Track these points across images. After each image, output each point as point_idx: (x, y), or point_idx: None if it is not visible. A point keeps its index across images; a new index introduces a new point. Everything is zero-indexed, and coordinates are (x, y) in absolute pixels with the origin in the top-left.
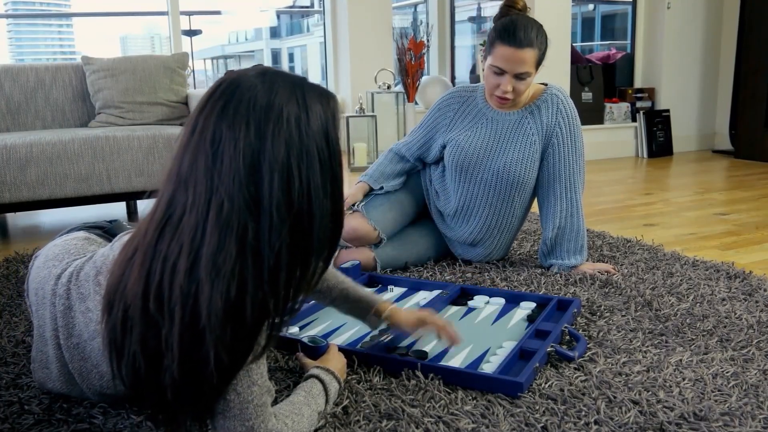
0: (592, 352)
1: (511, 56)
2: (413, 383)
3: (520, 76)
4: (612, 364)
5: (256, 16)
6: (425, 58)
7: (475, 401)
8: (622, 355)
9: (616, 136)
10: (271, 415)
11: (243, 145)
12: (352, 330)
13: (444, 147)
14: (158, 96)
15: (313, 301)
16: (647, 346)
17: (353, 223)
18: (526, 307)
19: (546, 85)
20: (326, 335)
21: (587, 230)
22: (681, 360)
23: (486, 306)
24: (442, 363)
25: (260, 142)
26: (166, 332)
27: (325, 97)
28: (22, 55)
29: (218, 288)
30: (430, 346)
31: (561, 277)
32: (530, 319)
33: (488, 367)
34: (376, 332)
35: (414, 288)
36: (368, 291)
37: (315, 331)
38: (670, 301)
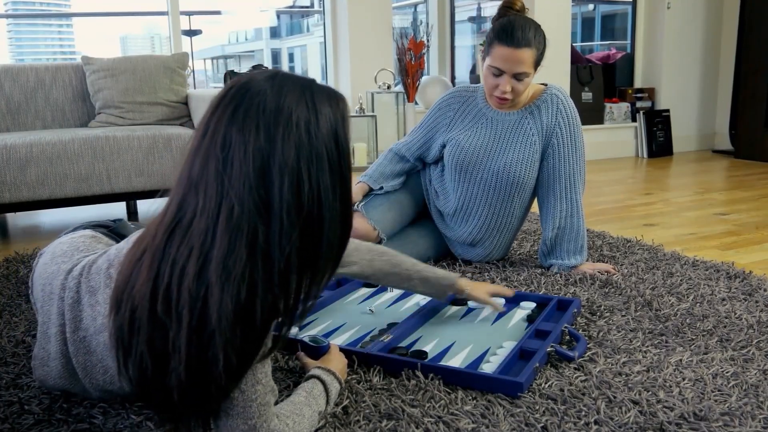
0: (592, 352)
1: (509, 56)
2: (413, 383)
3: (518, 77)
4: (612, 364)
5: (256, 16)
6: (425, 58)
7: (475, 401)
8: (622, 355)
9: (616, 136)
10: (274, 415)
11: (253, 149)
12: (352, 330)
13: (444, 146)
14: (158, 96)
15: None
16: (647, 346)
17: (353, 223)
18: (526, 307)
19: (546, 85)
20: (326, 335)
21: (587, 230)
22: (681, 360)
23: (486, 306)
24: (442, 363)
25: (270, 146)
26: (174, 334)
27: (334, 99)
28: (22, 55)
29: (229, 291)
30: (430, 347)
31: (561, 277)
32: (530, 319)
33: (488, 367)
34: (376, 332)
35: None
36: (442, 271)
37: (315, 330)
38: (670, 301)
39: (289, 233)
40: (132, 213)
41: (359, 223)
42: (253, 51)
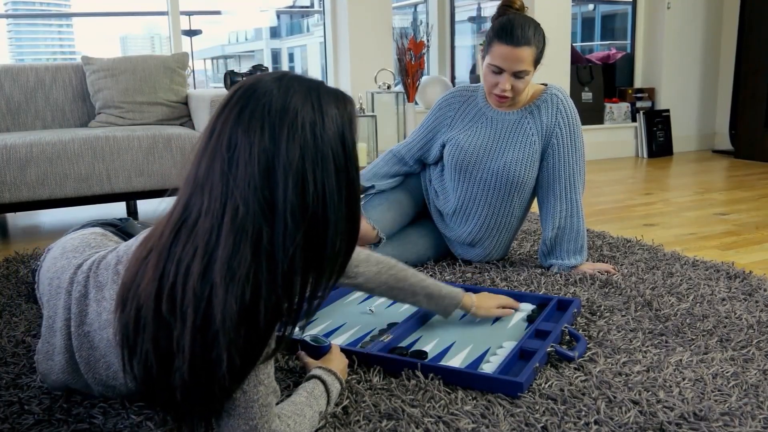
0: (592, 352)
1: (509, 54)
2: (413, 383)
3: (518, 75)
4: (612, 364)
5: (256, 16)
6: (425, 58)
7: (475, 401)
8: (622, 355)
9: (616, 136)
10: (275, 416)
11: (258, 150)
12: (352, 330)
13: (444, 146)
14: (158, 96)
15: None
16: (647, 346)
17: None
18: (526, 308)
19: (546, 85)
20: (326, 335)
21: (587, 230)
22: (681, 360)
23: None
24: (442, 363)
25: (275, 147)
26: (178, 334)
27: (341, 101)
28: (22, 55)
29: (233, 292)
30: (430, 347)
31: (561, 277)
32: (530, 319)
33: (488, 367)
34: (376, 332)
35: None
36: (449, 287)
37: (315, 330)
38: (670, 301)
39: (294, 234)
40: (132, 213)
41: None
42: (253, 51)
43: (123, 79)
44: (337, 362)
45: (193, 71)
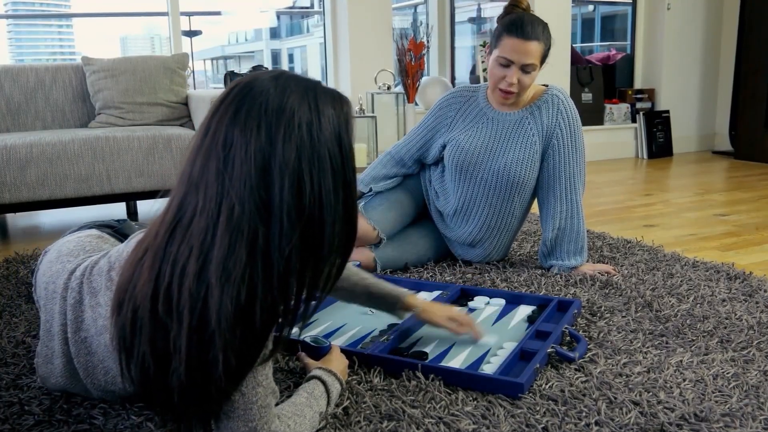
0: (593, 353)
1: (519, 47)
2: (414, 384)
3: (525, 68)
4: (612, 365)
5: (256, 17)
6: (425, 59)
7: (475, 402)
8: (622, 356)
9: (616, 137)
10: (275, 417)
11: (254, 149)
12: (352, 330)
13: (444, 147)
14: (158, 96)
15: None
16: (648, 347)
17: None
18: (527, 309)
19: (547, 86)
20: (327, 335)
21: (587, 231)
22: (681, 361)
23: (486, 307)
24: (443, 364)
25: (271, 147)
26: (175, 335)
27: (338, 101)
28: (21, 55)
29: (228, 293)
30: (431, 347)
31: (561, 278)
32: (530, 319)
33: (489, 368)
34: (376, 333)
35: (414, 289)
36: (391, 286)
37: (316, 331)
38: (670, 302)
39: (290, 235)
40: (132, 214)
41: (359, 223)
42: (252, 52)
43: (123, 80)
44: (337, 363)
45: (193, 72)
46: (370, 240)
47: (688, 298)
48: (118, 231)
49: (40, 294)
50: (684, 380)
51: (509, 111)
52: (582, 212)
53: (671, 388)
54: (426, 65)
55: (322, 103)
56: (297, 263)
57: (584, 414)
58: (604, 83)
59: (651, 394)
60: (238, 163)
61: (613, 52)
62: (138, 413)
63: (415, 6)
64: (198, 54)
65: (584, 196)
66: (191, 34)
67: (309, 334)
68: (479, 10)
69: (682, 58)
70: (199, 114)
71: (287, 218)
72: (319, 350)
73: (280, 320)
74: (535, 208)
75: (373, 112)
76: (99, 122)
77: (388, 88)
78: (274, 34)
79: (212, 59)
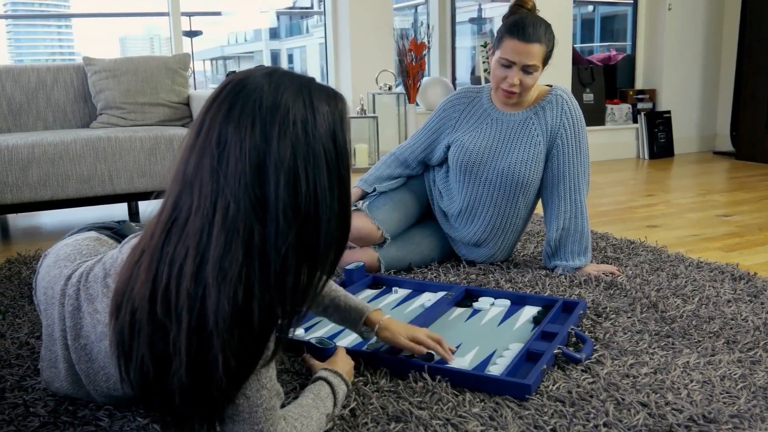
0: (599, 354)
1: (520, 48)
2: (420, 385)
3: (527, 69)
4: (619, 366)
5: (256, 17)
6: (426, 59)
7: (483, 403)
8: (629, 356)
9: (618, 137)
10: (281, 419)
11: (248, 147)
12: None
13: (448, 148)
14: (160, 97)
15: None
16: (654, 348)
17: (357, 223)
18: (532, 309)
19: (551, 86)
20: (332, 337)
21: (590, 231)
22: (688, 362)
23: (491, 307)
24: (450, 365)
25: (266, 144)
26: (174, 336)
27: (333, 98)
28: (21, 55)
29: (225, 292)
30: None
31: (566, 278)
32: (536, 320)
33: (495, 369)
34: None
35: (419, 289)
36: (359, 301)
37: (321, 332)
38: (675, 302)
39: (286, 233)
40: (134, 214)
41: (363, 223)
42: (252, 52)
43: (124, 80)
44: (343, 364)
45: (193, 72)
46: (375, 240)
47: (693, 299)
48: (117, 232)
49: (40, 298)
50: (691, 381)
51: (513, 111)
52: (586, 212)
53: (679, 389)
54: (427, 65)
55: (317, 100)
56: (294, 261)
57: (592, 415)
58: (605, 84)
59: (659, 395)
60: (233, 160)
61: (614, 52)
62: (144, 415)
63: (416, 6)
64: (198, 54)
65: (587, 197)
66: (191, 34)
67: (314, 336)
68: (480, 10)
69: (683, 59)
70: None
71: (283, 216)
72: (324, 351)
73: (279, 321)
74: (538, 208)
75: (374, 112)
76: (101, 122)
77: (389, 88)
78: (274, 34)
79: (212, 59)
